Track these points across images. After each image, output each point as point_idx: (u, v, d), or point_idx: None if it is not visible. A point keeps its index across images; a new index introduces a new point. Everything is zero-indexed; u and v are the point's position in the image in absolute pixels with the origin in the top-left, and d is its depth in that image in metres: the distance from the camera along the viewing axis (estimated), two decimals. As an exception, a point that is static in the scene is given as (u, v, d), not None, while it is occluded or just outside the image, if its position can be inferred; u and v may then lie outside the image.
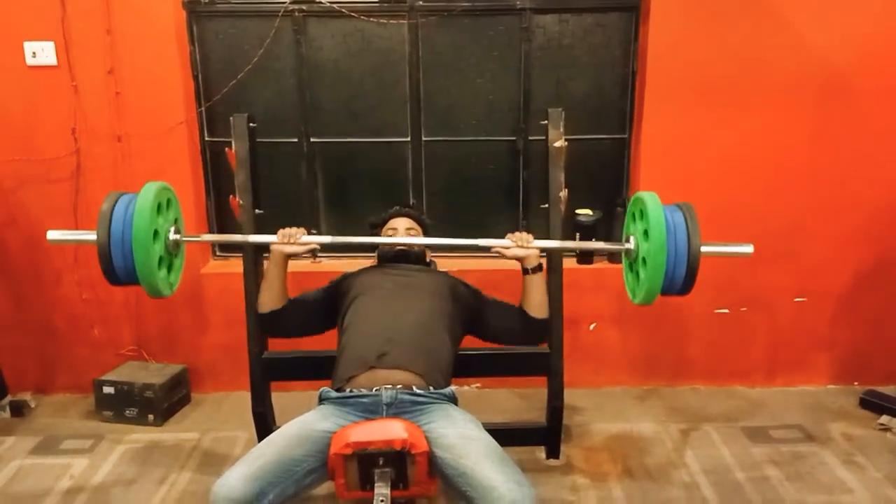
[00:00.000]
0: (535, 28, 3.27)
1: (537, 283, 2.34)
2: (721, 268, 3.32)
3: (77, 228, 3.23)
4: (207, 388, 3.46)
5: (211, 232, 3.49)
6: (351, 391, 2.07)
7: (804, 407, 3.28)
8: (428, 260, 2.59)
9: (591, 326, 3.43)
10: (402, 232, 2.51)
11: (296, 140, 3.36)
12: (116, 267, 2.06)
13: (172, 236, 2.20)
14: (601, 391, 3.44)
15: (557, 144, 2.49)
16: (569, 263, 3.22)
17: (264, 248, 2.65)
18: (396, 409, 2.01)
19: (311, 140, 3.37)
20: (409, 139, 3.38)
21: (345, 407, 2.05)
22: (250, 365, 2.62)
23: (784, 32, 3.09)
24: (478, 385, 3.51)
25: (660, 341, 3.45)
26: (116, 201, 2.10)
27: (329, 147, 3.40)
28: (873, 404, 3.20)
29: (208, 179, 3.43)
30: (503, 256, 2.30)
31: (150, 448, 2.99)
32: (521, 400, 3.38)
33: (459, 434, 1.92)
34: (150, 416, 3.17)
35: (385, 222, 2.58)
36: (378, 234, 2.58)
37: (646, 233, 2.06)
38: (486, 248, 2.29)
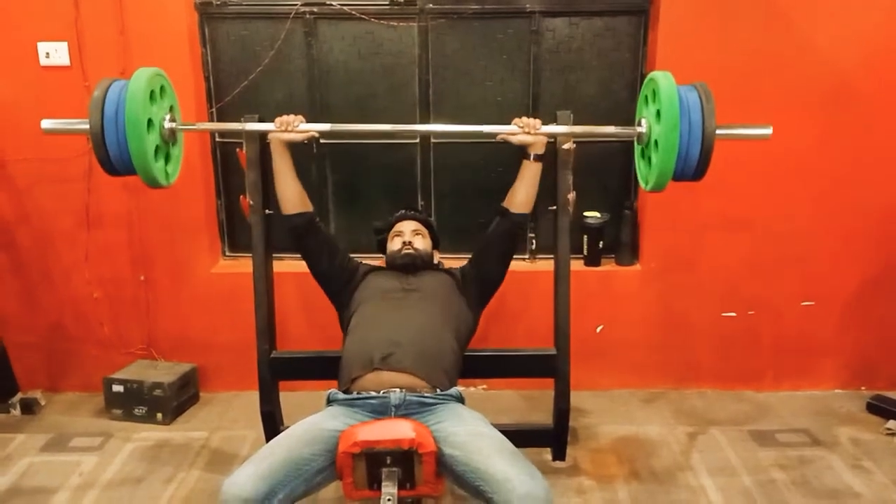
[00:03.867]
0: (545, 31, 3.28)
1: (535, 172, 2.36)
2: (729, 271, 3.33)
3: (89, 228, 3.26)
4: (216, 387, 3.48)
5: (221, 233, 3.51)
6: (359, 393, 2.09)
7: (811, 411, 3.28)
8: (436, 262, 2.61)
9: (599, 329, 3.43)
10: (408, 235, 2.54)
11: (305, 141, 3.37)
12: (112, 156, 2.02)
13: (168, 124, 2.14)
14: (608, 394, 3.45)
15: (566, 147, 2.49)
16: (576, 266, 3.22)
17: (274, 245, 2.66)
18: (405, 411, 2.03)
19: (321, 141, 3.38)
20: (418, 141, 3.39)
21: (353, 408, 2.06)
22: (259, 364, 2.63)
23: (792, 35, 3.09)
24: (484, 386, 3.51)
25: (667, 344, 3.45)
26: (108, 88, 2.03)
27: (338, 148, 3.41)
28: (880, 409, 3.20)
29: (219, 179, 3.45)
30: (509, 143, 2.30)
31: (158, 446, 3.01)
32: (528, 402, 3.39)
33: (469, 431, 1.93)
34: (159, 415, 3.19)
35: (391, 226, 2.61)
36: (384, 240, 2.61)
37: (658, 113, 1.97)
38: (493, 135, 2.27)
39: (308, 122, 2.40)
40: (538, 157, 2.33)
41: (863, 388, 3.45)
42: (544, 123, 2.36)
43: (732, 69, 3.12)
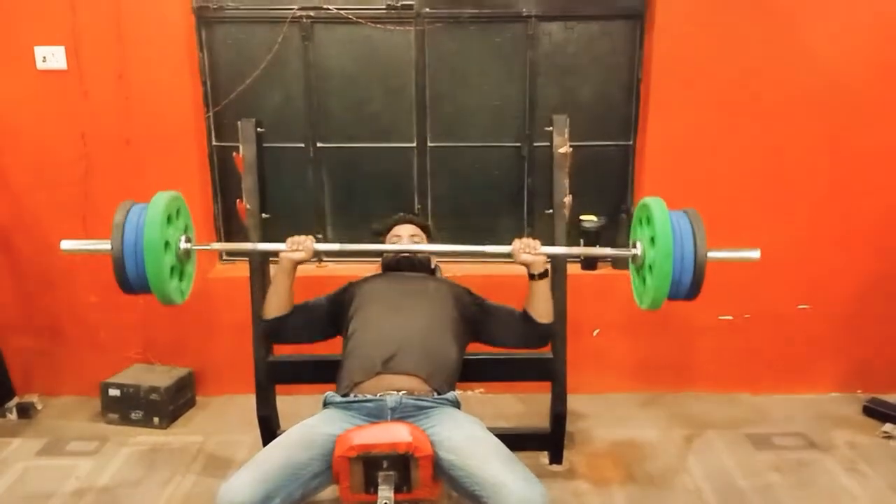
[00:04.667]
0: (541, 35, 3.29)
1: (543, 289, 2.32)
2: (725, 275, 3.31)
3: (86, 232, 3.25)
4: (213, 391, 3.48)
5: (219, 237, 3.51)
6: (356, 396, 2.09)
7: (807, 414, 3.28)
8: (433, 266, 2.60)
9: (595, 332, 3.44)
10: (405, 238, 2.52)
11: (302, 145, 3.39)
12: (129, 277, 2.09)
13: (183, 245, 2.20)
14: (604, 397, 3.45)
15: (562, 150, 2.50)
16: (573, 269, 3.22)
17: (271, 252, 2.67)
18: (401, 414, 2.02)
19: (318, 145, 3.39)
20: (414, 145, 3.40)
21: (349, 411, 2.06)
22: (255, 368, 2.63)
23: (789, 39, 3.11)
24: (481, 390, 3.51)
25: (663, 348, 3.45)
26: (129, 211, 2.11)
27: (335, 152, 3.42)
28: (877, 412, 3.20)
29: (216, 183, 3.45)
30: (514, 259, 2.28)
31: (155, 450, 3.00)
32: (525, 405, 3.39)
33: (466, 435, 1.93)
34: (156, 419, 3.19)
35: (389, 229, 2.59)
36: (382, 241, 2.59)
37: (652, 240, 2.06)
38: (492, 255, 2.31)
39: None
40: (542, 275, 2.31)
41: (859, 391, 3.45)
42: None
43: (728, 72, 3.13)
